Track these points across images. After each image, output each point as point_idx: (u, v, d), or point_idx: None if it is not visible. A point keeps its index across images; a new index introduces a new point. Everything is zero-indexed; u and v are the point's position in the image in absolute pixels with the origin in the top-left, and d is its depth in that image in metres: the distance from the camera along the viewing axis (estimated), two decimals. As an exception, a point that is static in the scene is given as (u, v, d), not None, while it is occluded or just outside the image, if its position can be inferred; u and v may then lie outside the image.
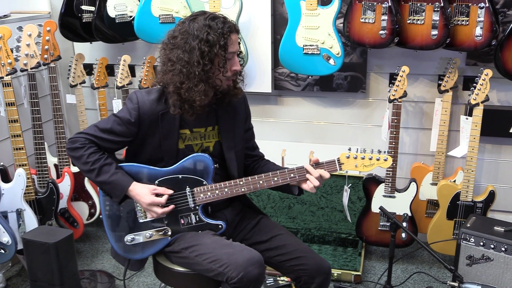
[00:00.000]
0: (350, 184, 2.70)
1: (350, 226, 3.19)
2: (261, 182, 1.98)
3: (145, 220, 2.05)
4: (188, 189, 2.01)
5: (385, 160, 1.95)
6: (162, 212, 1.98)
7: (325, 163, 1.96)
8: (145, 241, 2.07)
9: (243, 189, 1.99)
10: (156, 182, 2.01)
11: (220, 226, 2.06)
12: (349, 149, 1.97)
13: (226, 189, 1.99)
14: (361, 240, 3.13)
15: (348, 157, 1.96)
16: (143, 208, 2.02)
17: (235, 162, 2.09)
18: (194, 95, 1.90)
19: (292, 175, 1.97)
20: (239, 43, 1.99)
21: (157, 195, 1.99)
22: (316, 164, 1.97)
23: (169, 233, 2.05)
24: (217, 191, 2.00)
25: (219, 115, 2.08)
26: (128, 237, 2.06)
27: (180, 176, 2.00)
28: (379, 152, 1.98)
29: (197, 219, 2.04)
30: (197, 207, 2.03)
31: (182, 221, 2.04)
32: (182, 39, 1.90)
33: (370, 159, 1.95)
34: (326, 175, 1.94)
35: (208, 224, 2.05)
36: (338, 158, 1.96)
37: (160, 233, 2.05)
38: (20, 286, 2.93)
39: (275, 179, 1.98)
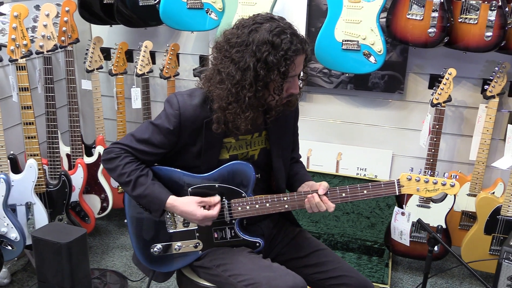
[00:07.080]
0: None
1: (376, 234, 3.01)
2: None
3: (174, 230, 1.86)
4: (225, 200, 1.80)
5: (452, 186, 1.74)
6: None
7: (383, 184, 1.74)
8: (173, 253, 1.87)
9: (286, 206, 1.78)
10: (189, 189, 1.80)
11: (258, 244, 1.86)
12: (411, 170, 1.77)
13: (267, 204, 1.78)
14: (387, 250, 2.95)
15: (409, 179, 1.73)
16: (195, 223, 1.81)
17: (284, 173, 1.88)
18: (239, 122, 1.67)
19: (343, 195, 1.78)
20: (304, 63, 1.72)
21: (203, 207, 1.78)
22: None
23: (200, 246, 1.86)
24: (257, 205, 1.78)
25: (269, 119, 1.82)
26: (155, 247, 1.87)
27: (216, 185, 1.79)
28: (445, 175, 1.77)
29: (233, 234, 1.84)
30: (233, 221, 1.83)
31: (216, 235, 1.85)
32: (238, 52, 1.63)
33: (435, 183, 1.73)
34: (322, 209, 1.74)
35: (245, 241, 1.85)
36: (398, 179, 1.74)
37: (191, 246, 1.86)
38: (26, 283, 2.76)
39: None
